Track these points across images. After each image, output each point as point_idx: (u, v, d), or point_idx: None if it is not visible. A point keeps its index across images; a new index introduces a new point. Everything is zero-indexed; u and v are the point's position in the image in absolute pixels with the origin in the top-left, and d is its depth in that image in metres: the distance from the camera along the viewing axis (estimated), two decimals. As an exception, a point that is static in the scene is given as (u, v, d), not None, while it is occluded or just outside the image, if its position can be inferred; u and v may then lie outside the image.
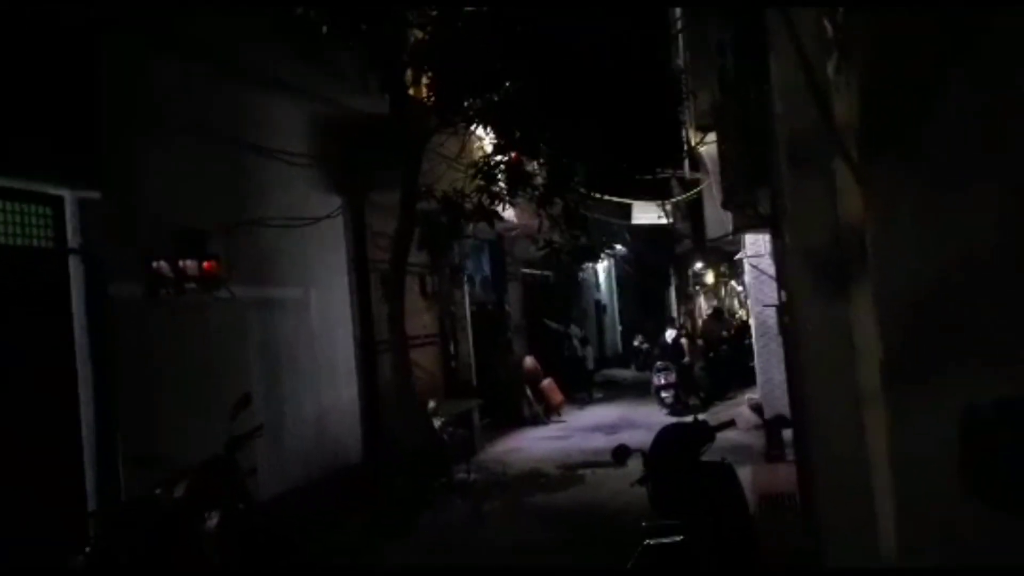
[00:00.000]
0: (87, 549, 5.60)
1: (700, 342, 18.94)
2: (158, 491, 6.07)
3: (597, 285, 26.88)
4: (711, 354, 18.29)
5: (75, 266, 6.33)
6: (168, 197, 7.32)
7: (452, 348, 13.68)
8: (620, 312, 28.91)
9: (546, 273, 20.07)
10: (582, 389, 18.58)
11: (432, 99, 9.41)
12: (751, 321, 14.12)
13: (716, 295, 29.11)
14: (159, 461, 6.14)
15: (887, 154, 2.76)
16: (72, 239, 6.32)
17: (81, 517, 6.05)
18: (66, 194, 6.29)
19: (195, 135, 7.73)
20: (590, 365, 19.92)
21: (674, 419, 12.43)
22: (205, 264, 7.36)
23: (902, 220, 2.73)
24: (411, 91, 10.01)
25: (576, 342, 19.50)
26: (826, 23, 3.35)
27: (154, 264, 7.01)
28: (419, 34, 9.29)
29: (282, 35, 8.64)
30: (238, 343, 8.22)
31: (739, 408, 14.25)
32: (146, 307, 6.96)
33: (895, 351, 2.73)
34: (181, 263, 7.16)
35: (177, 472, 6.18)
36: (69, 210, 6.32)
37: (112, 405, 6.41)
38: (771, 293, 10.83)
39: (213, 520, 6.35)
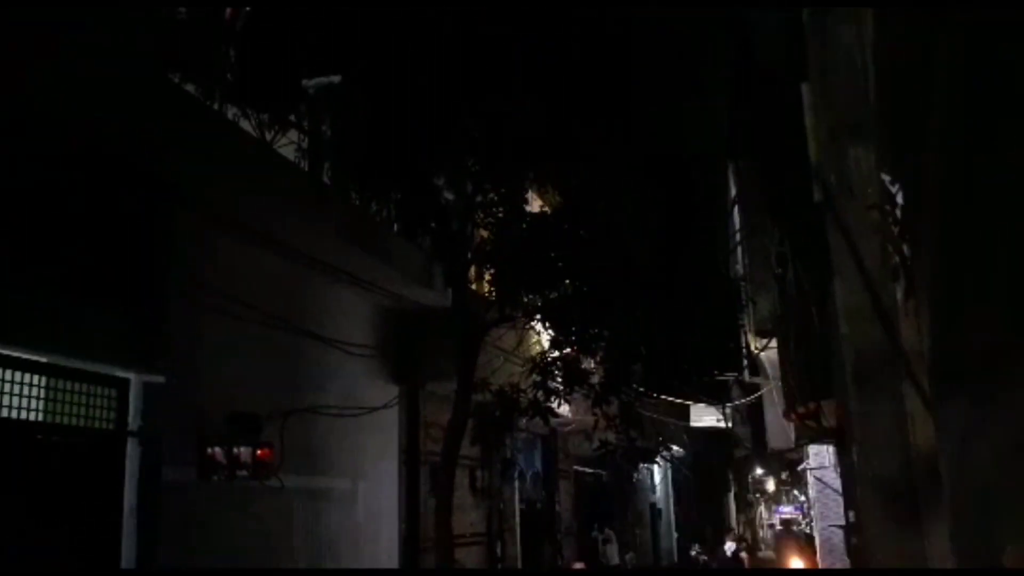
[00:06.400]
0: None
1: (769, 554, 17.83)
2: None
3: (653, 487, 25.94)
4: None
5: (132, 448, 6.33)
6: (227, 381, 7.42)
7: (499, 549, 13.14)
8: (676, 517, 27.67)
9: (600, 472, 19.50)
10: None
11: (493, 294, 9.61)
12: (816, 537, 13.35)
13: (775, 503, 27.77)
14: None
15: (959, 395, 2.60)
16: (132, 421, 6.35)
17: None
18: (132, 377, 6.39)
19: (257, 320, 7.85)
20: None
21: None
22: (259, 452, 7.34)
23: (980, 460, 2.53)
24: (473, 286, 10.25)
25: (605, 546, 17.96)
26: (890, 249, 3.35)
27: (209, 450, 7.02)
28: (484, 233, 9.64)
29: (351, 229, 8.96)
30: (283, 533, 8.02)
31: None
32: (196, 492, 6.90)
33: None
34: (235, 450, 7.16)
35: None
36: (133, 392, 6.39)
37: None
38: (836, 508, 10.29)
39: None
